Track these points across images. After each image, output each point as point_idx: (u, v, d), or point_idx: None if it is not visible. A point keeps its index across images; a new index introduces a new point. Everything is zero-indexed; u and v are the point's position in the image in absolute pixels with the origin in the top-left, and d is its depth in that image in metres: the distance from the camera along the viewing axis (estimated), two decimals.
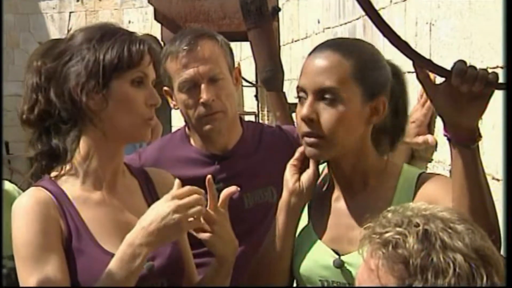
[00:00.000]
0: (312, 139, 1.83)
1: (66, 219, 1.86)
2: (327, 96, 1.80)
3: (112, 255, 1.83)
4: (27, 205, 1.85)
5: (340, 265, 1.84)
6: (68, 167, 1.93)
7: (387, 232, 1.26)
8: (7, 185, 2.38)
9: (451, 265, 1.21)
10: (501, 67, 2.14)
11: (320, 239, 1.90)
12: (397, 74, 1.91)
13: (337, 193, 1.92)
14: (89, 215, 1.89)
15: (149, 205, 1.94)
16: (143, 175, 2.04)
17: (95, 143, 1.92)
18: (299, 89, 1.85)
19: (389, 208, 1.33)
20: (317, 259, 1.89)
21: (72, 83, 1.88)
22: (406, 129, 1.97)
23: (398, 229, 1.26)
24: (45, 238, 1.82)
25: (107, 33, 1.90)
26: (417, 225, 1.25)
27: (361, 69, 1.81)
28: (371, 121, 1.85)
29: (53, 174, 1.94)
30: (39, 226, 1.83)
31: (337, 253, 1.86)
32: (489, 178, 1.77)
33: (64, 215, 1.86)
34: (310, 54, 1.88)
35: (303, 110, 1.82)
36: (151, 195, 2.00)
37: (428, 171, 2.81)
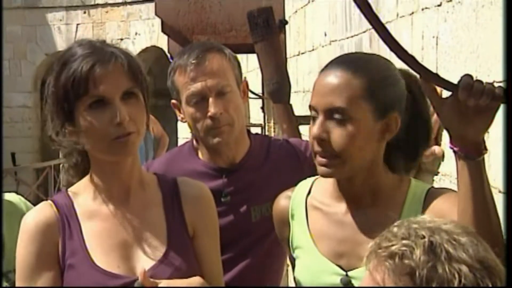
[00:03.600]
0: (324, 159, 1.83)
1: (65, 236, 1.89)
2: (336, 116, 1.80)
3: (103, 271, 1.85)
4: (29, 224, 1.90)
5: (347, 282, 1.84)
6: (83, 181, 1.96)
7: (393, 245, 1.27)
8: (14, 197, 2.39)
9: (457, 276, 1.22)
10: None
11: (323, 253, 1.90)
12: (412, 90, 1.89)
13: (343, 207, 1.91)
14: (91, 230, 1.91)
15: (167, 218, 1.95)
16: (171, 186, 2.01)
17: (95, 163, 1.94)
18: (311, 107, 1.85)
19: (394, 224, 1.34)
20: (323, 276, 1.88)
21: (49, 120, 1.91)
22: (420, 149, 1.95)
23: (404, 241, 1.27)
24: (38, 259, 1.87)
25: (63, 65, 1.86)
26: (423, 237, 1.26)
27: (371, 87, 1.80)
28: (383, 138, 1.84)
29: (72, 187, 1.97)
30: (35, 246, 1.87)
31: (342, 268, 1.86)
32: (495, 191, 1.78)
33: (64, 232, 1.89)
34: (322, 71, 1.88)
35: (314, 129, 1.82)
36: (173, 208, 1.97)
37: (435, 184, 2.82)
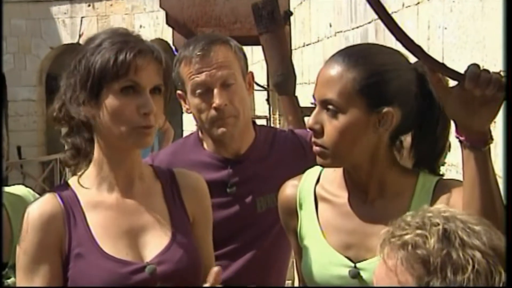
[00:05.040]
0: (318, 148, 1.85)
1: (70, 227, 1.90)
2: (330, 107, 1.81)
3: (113, 258, 1.87)
4: (33, 215, 1.91)
5: (356, 274, 1.84)
6: (85, 170, 1.97)
7: (407, 234, 1.28)
8: (22, 190, 2.38)
9: (470, 262, 1.23)
10: None
11: (332, 244, 1.90)
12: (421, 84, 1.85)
13: (352, 198, 1.91)
14: (97, 220, 1.92)
15: (169, 207, 1.98)
16: (168, 177, 2.04)
17: (102, 149, 1.95)
18: (313, 97, 1.87)
19: (408, 213, 1.34)
20: (331, 268, 1.88)
21: (68, 95, 1.91)
22: (439, 144, 1.91)
23: (418, 231, 1.28)
24: (41, 250, 1.88)
25: (102, 43, 1.90)
26: (437, 225, 1.27)
27: (363, 81, 1.79)
28: (378, 132, 1.83)
29: (72, 176, 1.98)
30: (38, 238, 1.88)
31: (351, 260, 1.86)
32: (501, 182, 1.77)
33: (69, 223, 1.90)
34: (325, 61, 1.89)
35: (309, 120, 1.84)
36: (173, 197, 2.01)
37: None
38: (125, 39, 1.90)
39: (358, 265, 1.84)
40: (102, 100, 1.88)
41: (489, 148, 1.67)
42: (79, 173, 1.98)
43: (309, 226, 1.96)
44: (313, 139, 1.85)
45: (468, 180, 1.68)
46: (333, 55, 1.88)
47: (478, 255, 1.24)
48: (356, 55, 1.84)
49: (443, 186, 1.85)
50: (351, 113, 1.80)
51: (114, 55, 1.86)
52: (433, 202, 1.82)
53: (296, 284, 2.13)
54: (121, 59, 1.85)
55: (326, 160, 1.85)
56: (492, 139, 1.68)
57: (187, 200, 2.03)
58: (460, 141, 1.69)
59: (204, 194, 2.08)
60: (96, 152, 1.96)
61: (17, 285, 1.91)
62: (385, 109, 1.80)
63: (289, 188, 2.03)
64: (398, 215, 1.36)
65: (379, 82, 1.80)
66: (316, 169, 2.00)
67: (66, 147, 1.99)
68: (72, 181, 1.98)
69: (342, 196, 1.93)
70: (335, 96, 1.80)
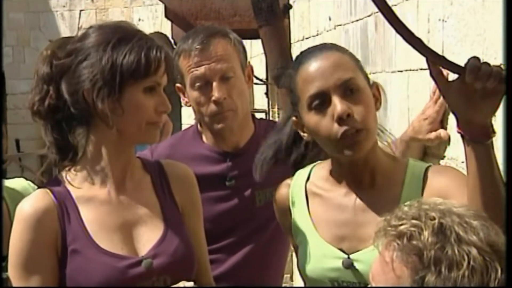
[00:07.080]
0: (354, 138, 1.80)
1: (64, 223, 1.89)
2: (348, 91, 1.82)
3: (110, 253, 1.87)
4: (26, 212, 1.89)
5: (349, 265, 1.84)
6: (77, 164, 1.95)
7: (402, 224, 1.28)
8: (23, 183, 2.37)
9: (466, 257, 1.23)
10: None
11: (324, 238, 1.90)
12: None
13: (342, 190, 1.92)
14: (90, 214, 1.91)
15: (159, 199, 1.98)
16: (157, 168, 2.04)
17: (104, 141, 1.93)
18: (316, 96, 1.83)
19: (406, 203, 1.34)
20: (325, 261, 1.88)
21: (86, 85, 1.87)
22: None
23: (413, 221, 1.28)
24: (36, 249, 1.87)
25: (124, 37, 1.88)
26: (433, 219, 1.27)
27: (355, 59, 1.90)
28: (377, 107, 1.89)
29: (63, 171, 1.96)
30: (33, 236, 1.87)
31: (344, 252, 1.86)
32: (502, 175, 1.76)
33: (63, 219, 1.89)
34: (301, 64, 1.88)
35: (338, 108, 1.80)
36: (163, 189, 2.02)
37: None
38: (147, 39, 1.91)
39: (351, 256, 1.85)
40: (125, 96, 1.88)
41: (492, 142, 1.66)
42: (70, 168, 1.95)
43: (301, 221, 1.96)
44: (344, 128, 1.80)
45: (472, 175, 1.67)
46: (312, 52, 1.90)
47: (474, 251, 1.23)
48: (331, 45, 1.95)
49: (432, 172, 1.87)
50: (365, 89, 1.86)
51: (146, 53, 1.87)
52: (424, 189, 1.83)
53: (295, 278, 2.13)
54: (153, 58, 1.88)
55: (363, 146, 1.81)
56: (494, 132, 1.67)
57: (177, 191, 2.03)
58: (462, 136, 1.68)
59: (192, 185, 2.09)
60: (92, 147, 1.94)
61: (13, 284, 1.89)
62: (374, 85, 1.90)
63: (283, 188, 2.04)
64: (390, 204, 1.36)
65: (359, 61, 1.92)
66: (307, 167, 2.01)
67: (49, 147, 1.96)
68: (63, 175, 1.95)
69: (333, 190, 1.94)
70: (352, 73, 1.85)
